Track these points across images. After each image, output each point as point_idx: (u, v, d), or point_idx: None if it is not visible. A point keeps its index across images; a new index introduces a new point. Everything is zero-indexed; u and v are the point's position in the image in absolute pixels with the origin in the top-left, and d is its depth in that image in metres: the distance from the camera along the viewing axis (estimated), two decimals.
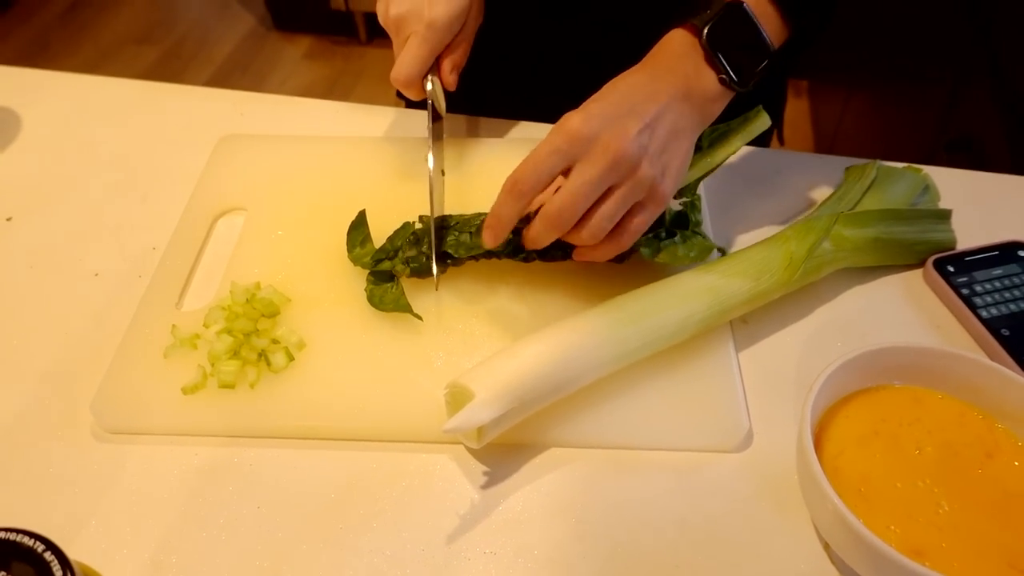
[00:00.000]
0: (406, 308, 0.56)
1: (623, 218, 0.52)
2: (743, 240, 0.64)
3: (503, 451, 0.51)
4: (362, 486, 0.49)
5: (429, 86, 0.62)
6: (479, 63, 0.66)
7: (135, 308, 0.59)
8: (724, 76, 0.54)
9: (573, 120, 0.50)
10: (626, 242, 0.53)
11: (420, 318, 0.56)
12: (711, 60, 0.54)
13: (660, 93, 0.52)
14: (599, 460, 0.51)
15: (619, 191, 0.51)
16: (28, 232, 0.66)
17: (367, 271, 0.59)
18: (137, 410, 0.52)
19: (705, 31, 0.54)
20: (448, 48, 0.62)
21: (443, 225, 0.59)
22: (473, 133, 0.75)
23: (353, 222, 0.61)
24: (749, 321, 0.58)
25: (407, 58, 0.60)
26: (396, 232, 0.60)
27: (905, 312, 0.59)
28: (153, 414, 0.52)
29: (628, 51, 0.57)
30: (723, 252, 0.58)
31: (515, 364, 0.48)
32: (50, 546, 0.32)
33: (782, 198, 0.68)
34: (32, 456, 0.52)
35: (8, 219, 0.67)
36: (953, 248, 0.62)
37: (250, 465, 0.50)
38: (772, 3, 0.56)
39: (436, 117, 0.63)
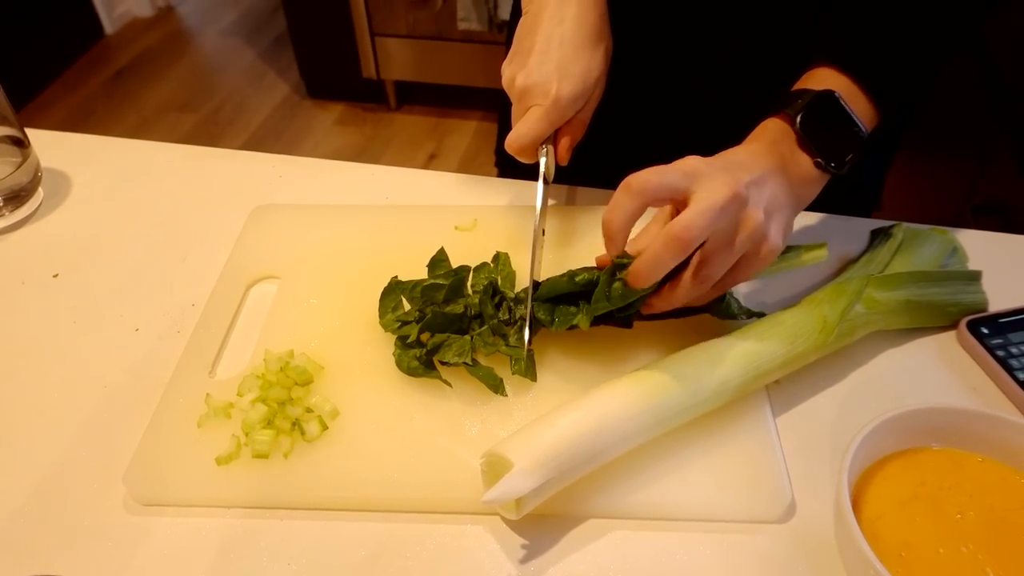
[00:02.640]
0: (435, 374, 0.57)
1: (730, 270, 0.52)
2: (770, 300, 0.64)
3: (540, 522, 0.50)
4: (396, 557, 0.49)
5: (543, 156, 0.63)
6: (586, 142, 0.66)
7: (173, 363, 0.60)
8: (819, 160, 0.56)
9: (690, 159, 0.51)
10: (727, 287, 0.54)
11: (449, 384, 0.56)
12: (804, 145, 0.56)
13: (759, 164, 0.54)
14: (638, 531, 0.50)
15: (738, 236, 0.50)
16: (73, 288, 0.69)
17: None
18: (170, 482, 0.52)
19: (799, 118, 0.56)
20: (568, 124, 0.63)
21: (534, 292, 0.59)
22: (569, 201, 0.77)
23: (385, 288, 0.62)
24: (782, 382, 0.58)
25: (526, 128, 0.61)
26: (421, 290, 0.61)
27: (940, 374, 0.59)
28: (186, 485, 0.52)
29: (726, 138, 0.58)
30: (758, 315, 0.59)
31: (553, 432, 0.48)
32: None
33: None
34: (63, 512, 0.52)
35: (55, 275, 0.70)
36: (985, 310, 0.62)
37: (282, 535, 0.50)
38: (864, 92, 0.58)
39: (543, 182, 0.63)
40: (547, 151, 0.63)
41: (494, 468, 0.49)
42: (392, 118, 2.51)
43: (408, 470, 0.52)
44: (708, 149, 0.54)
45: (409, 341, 0.58)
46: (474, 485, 0.50)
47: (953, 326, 0.62)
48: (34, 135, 0.80)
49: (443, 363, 0.57)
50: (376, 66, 2.37)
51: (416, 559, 0.48)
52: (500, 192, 0.76)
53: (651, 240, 0.50)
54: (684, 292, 0.53)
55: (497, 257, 0.64)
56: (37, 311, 0.67)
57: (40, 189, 0.78)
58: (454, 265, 0.63)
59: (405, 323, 0.59)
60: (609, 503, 0.50)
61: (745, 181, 0.50)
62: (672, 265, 0.50)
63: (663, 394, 0.51)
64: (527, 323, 0.57)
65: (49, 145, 0.83)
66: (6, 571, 0.48)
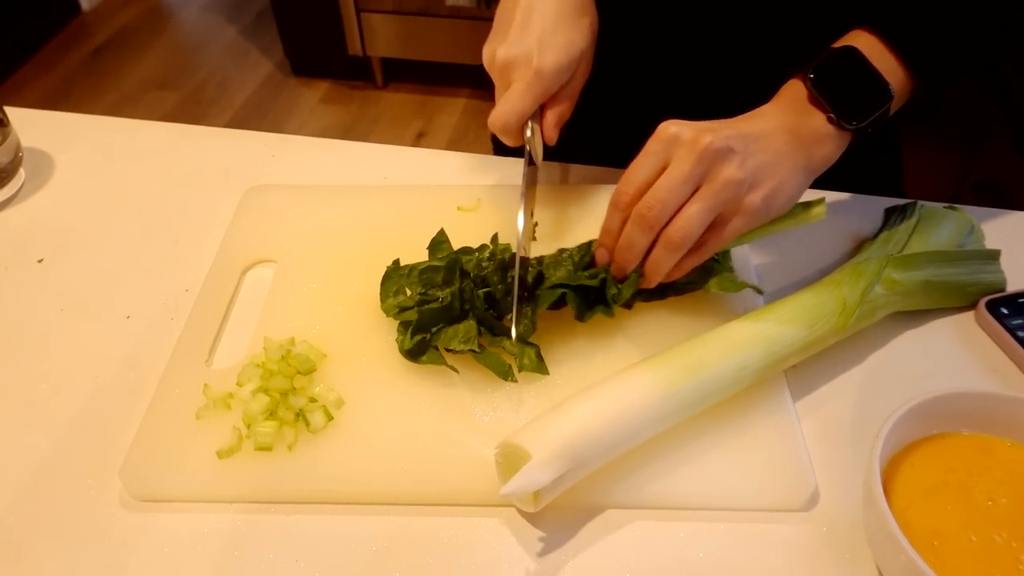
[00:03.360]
0: (440, 360, 0.54)
1: (707, 231, 0.52)
2: (785, 280, 0.63)
3: (557, 514, 0.48)
4: (409, 552, 0.47)
5: (528, 133, 0.60)
6: (578, 114, 0.64)
7: (167, 351, 0.58)
8: (832, 115, 0.54)
9: (667, 124, 0.52)
10: (708, 252, 0.53)
11: (456, 370, 0.54)
12: (816, 100, 0.55)
13: (763, 124, 0.53)
14: (658, 522, 0.48)
15: (704, 189, 0.50)
16: (59, 274, 0.66)
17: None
18: (169, 477, 0.50)
19: (811, 74, 0.55)
20: (553, 99, 0.60)
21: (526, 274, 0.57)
22: (563, 179, 0.74)
23: (386, 272, 0.59)
24: (799, 366, 0.56)
25: (508, 104, 0.58)
26: (419, 273, 0.58)
27: (960, 356, 0.57)
28: (186, 480, 0.49)
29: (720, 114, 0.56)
30: (758, 291, 0.57)
31: (570, 422, 0.46)
32: None
33: (821, 238, 0.66)
34: (57, 510, 0.50)
35: (39, 261, 0.67)
36: (1003, 289, 0.61)
37: (288, 530, 0.48)
38: (890, 50, 0.56)
39: (530, 163, 0.61)
40: (533, 129, 0.60)
41: (509, 459, 0.47)
42: (379, 96, 2.46)
43: (418, 461, 0.50)
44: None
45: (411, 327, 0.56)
46: (488, 476, 0.48)
47: (971, 306, 0.60)
48: (13, 113, 0.77)
49: (448, 350, 0.55)
50: (362, 43, 2.32)
51: (430, 554, 0.47)
52: (499, 170, 0.74)
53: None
54: (663, 258, 0.52)
55: (495, 238, 0.62)
56: (22, 298, 0.64)
57: (21, 170, 0.75)
58: (456, 247, 0.61)
59: (406, 309, 0.57)
60: (628, 493, 0.49)
61: (726, 135, 0.50)
62: (644, 243, 0.52)
63: (682, 381, 0.49)
64: (514, 318, 0.54)
65: (29, 124, 0.79)
66: None
